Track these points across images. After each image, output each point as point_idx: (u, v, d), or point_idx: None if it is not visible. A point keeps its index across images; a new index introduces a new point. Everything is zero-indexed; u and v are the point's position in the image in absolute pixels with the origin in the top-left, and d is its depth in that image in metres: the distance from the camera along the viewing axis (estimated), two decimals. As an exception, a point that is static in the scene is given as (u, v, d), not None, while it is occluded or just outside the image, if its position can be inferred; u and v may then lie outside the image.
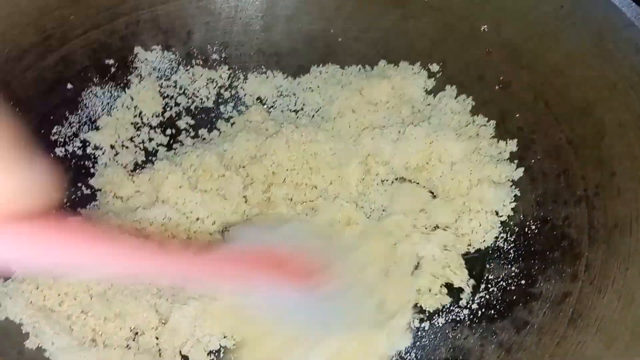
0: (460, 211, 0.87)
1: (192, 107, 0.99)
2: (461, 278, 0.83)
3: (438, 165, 0.90)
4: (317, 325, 0.68)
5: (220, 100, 1.00)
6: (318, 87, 0.99)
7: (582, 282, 0.76)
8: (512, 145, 0.90)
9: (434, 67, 0.98)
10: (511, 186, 0.88)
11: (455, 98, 0.96)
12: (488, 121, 0.93)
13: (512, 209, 0.87)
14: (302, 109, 0.99)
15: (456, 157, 0.90)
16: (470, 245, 0.86)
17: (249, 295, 0.66)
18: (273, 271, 0.64)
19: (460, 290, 0.83)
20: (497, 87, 0.93)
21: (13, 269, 0.75)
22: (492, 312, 0.80)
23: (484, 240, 0.86)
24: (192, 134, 0.96)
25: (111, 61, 0.97)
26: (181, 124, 0.97)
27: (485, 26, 0.93)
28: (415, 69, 0.98)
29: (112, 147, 0.93)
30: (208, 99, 0.99)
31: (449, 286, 0.83)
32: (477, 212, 0.87)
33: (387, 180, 0.91)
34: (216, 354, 0.79)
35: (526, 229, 0.85)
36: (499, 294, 0.81)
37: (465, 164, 0.89)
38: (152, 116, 0.97)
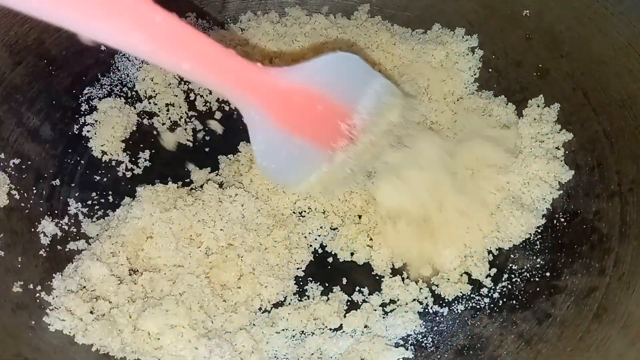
0: (496, 206, 0.84)
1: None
2: (481, 271, 0.81)
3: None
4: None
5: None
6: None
7: (610, 278, 0.74)
8: (568, 136, 0.87)
9: (471, 51, 0.96)
10: (558, 189, 0.84)
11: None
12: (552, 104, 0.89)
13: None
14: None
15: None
16: (499, 240, 0.83)
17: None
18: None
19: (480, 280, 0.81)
20: (534, 74, 0.90)
21: None
22: (514, 302, 0.79)
23: (511, 240, 0.83)
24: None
25: (145, 25, 0.97)
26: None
27: (527, 11, 0.90)
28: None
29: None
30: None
31: (469, 274, 0.82)
32: (515, 210, 0.82)
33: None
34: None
35: (554, 222, 0.83)
36: (522, 285, 0.80)
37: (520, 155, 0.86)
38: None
